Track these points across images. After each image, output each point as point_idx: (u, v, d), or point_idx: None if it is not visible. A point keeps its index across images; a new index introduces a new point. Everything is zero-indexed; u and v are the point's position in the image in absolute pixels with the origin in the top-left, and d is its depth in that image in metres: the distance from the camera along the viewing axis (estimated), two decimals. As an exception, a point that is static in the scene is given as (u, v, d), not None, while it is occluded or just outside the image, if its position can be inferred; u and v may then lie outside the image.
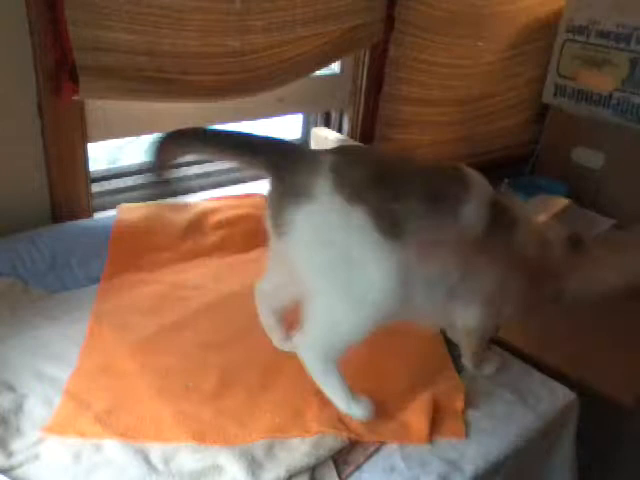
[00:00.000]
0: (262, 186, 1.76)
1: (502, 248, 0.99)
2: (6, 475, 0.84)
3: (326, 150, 0.98)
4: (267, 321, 1.12)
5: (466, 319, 1.05)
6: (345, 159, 0.92)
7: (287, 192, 0.91)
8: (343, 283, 0.90)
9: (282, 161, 0.93)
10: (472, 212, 0.94)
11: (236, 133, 1.02)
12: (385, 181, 0.90)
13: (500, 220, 0.97)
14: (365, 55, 1.82)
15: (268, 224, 0.97)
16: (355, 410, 0.96)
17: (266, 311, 1.11)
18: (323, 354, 0.95)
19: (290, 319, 1.11)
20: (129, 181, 1.63)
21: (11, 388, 0.98)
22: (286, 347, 1.11)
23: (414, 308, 0.97)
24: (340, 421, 0.96)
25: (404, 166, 0.97)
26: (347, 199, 0.87)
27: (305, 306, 0.95)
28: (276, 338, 1.12)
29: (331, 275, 0.91)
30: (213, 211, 1.49)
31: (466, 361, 1.14)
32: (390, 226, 0.88)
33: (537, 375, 1.16)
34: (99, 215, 1.49)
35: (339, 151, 0.99)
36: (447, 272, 0.95)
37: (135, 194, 1.62)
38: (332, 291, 0.91)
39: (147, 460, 0.88)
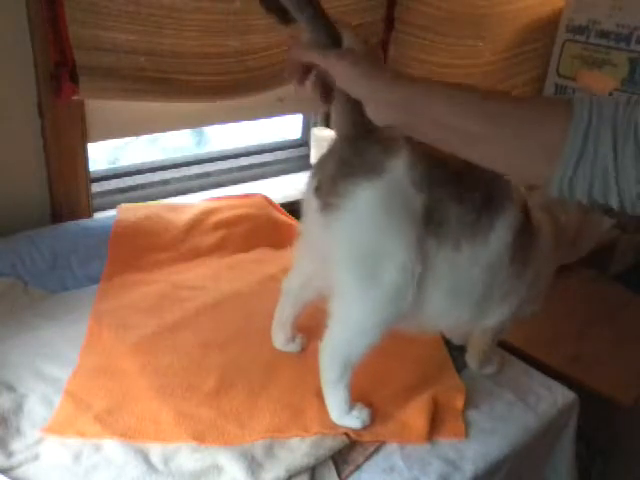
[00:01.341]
0: (262, 186, 1.78)
1: (531, 250, 0.97)
2: (6, 475, 0.84)
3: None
4: (281, 318, 1.11)
5: (488, 319, 1.03)
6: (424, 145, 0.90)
7: (354, 162, 0.86)
8: (373, 272, 0.88)
9: (361, 125, 0.85)
10: (510, 220, 0.92)
11: None
12: (454, 177, 0.87)
13: (528, 221, 0.96)
14: (365, 55, 1.82)
15: (311, 195, 0.91)
16: (347, 422, 0.96)
17: (287, 308, 1.10)
18: (344, 358, 0.94)
19: (299, 323, 1.12)
20: (129, 181, 1.64)
21: (11, 388, 0.98)
22: (288, 348, 1.11)
23: (437, 313, 0.95)
24: (340, 421, 0.97)
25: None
26: (415, 183, 0.85)
27: (329, 307, 0.93)
28: (281, 338, 1.11)
29: (365, 260, 0.88)
30: (213, 211, 1.49)
31: (471, 360, 1.13)
32: (437, 224, 0.87)
33: (537, 375, 1.16)
34: (99, 215, 1.49)
35: None
36: (478, 280, 0.94)
37: (135, 194, 1.62)
38: (356, 283, 0.89)
39: (147, 460, 0.88)
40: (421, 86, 0.71)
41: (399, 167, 0.86)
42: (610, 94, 2.16)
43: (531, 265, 0.97)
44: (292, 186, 1.84)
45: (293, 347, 1.11)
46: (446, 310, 0.96)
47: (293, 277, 1.08)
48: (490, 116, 0.66)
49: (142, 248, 1.36)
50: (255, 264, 1.40)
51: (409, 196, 0.86)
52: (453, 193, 0.88)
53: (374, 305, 0.90)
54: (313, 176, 0.93)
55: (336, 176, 0.87)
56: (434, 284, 0.90)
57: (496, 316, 1.01)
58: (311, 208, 0.92)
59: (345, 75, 0.73)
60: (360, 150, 0.87)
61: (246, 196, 1.61)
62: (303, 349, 1.11)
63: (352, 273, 0.89)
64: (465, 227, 0.89)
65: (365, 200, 0.86)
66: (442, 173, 0.88)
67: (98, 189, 1.55)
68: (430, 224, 0.87)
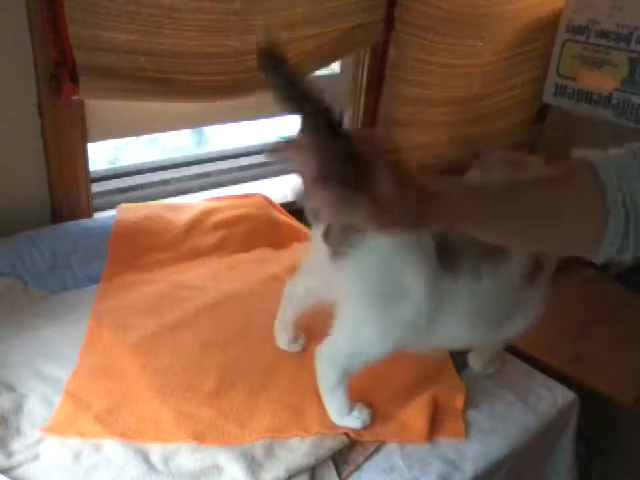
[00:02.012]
0: (262, 186, 1.78)
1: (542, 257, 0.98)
2: (6, 475, 0.84)
3: None
4: (284, 320, 1.10)
5: (504, 335, 1.03)
6: None
7: None
8: (386, 309, 0.88)
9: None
10: None
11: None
12: None
13: None
14: (365, 55, 1.82)
15: (320, 240, 0.91)
16: (347, 423, 0.96)
17: (289, 311, 1.09)
18: (342, 369, 0.94)
19: (300, 323, 1.11)
20: (129, 181, 1.64)
21: (11, 388, 0.98)
22: (291, 348, 1.11)
23: (453, 336, 0.96)
24: (340, 421, 0.97)
25: None
26: None
27: (336, 319, 0.93)
28: (284, 339, 1.11)
29: (377, 300, 0.89)
30: (213, 211, 1.49)
31: (475, 362, 1.13)
32: (450, 260, 0.87)
33: (537, 375, 1.16)
34: (99, 215, 1.49)
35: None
36: (498, 302, 0.94)
37: (135, 194, 1.62)
38: (372, 313, 0.90)
39: (147, 460, 0.88)
40: (454, 214, 0.64)
41: None
42: (610, 94, 2.16)
43: (544, 271, 0.97)
44: (292, 186, 1.84)
45: (296, 347, 1.11)
46: (463, 333, 0.96)
47: (298, 283, 1.08)
48: (527, 219, 0.66)
49: (142, 248, 1.36)
50: (255, 264, 1.40)
51: (419, 237, 0.86)
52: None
53: (385, 333, 0.91)
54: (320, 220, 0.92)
55: (346, 226, 0.87)
56: (452, 311, 0.91)
57: (515, 330, 1.01)
58: (320, 248, 0.92)
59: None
60: None
61: (246, 196, 1.61)
62: (305, 349, 1.11)
63: (364, 309, 0.90)
64: (480, 255, 0.89)
65: (376, 248, 0.86)
66: None
67: (98, 189, 1.55)
68: (444, 259, 0.87)
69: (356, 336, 0.92)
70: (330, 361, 0.94)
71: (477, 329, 0.96)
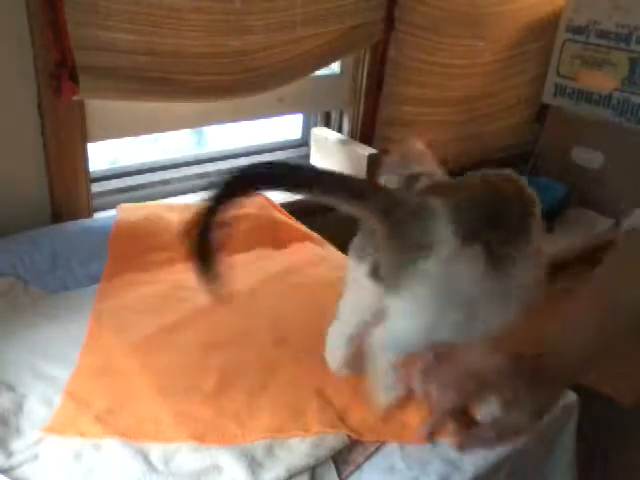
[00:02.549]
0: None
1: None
2: (6, 475, 0.84)
3: (430, 191, 0.93)
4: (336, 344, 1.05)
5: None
6: (460, 201, 0.89)
7: (405, 245, 0.86)
8: (438, 319, 0.88)
9: (394, 209, 0.86)
10: (537, 219, 0.94)
11: (329, 173, 0.89)
12: (495, 221, 0.89)
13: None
14: (365, 55, 1.83)
15: (362, 275, 0.92)
16: (388, 393, 0.93)
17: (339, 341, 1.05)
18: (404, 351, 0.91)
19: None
20: (129, 181, 1.64)
21: (11, 388, 0.98)
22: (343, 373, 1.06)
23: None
24: (340, 421, 0.96)
25: (507, 199, 0.94)
26: (463, 241, 0.85)
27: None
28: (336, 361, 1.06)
29: (438, 314, 0.88)
30: (213, 211, 1.49)
31: None
32: (495, 261, 0.88)
33: (537, 375, 1.15)
34: (99, 215, 1.49)
35: (444, 190, 0.94)
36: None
37: (135, 194, 1.62)
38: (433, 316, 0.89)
39: (147, 460, 0.88)
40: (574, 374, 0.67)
41: (445, 235, 0.85)
42: (610, 94, 2.16)
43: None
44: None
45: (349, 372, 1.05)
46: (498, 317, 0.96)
47: (339, 325, 1.04)
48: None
49: (142, 248, 1.36)
50: (255, 264, 1.40)
51: (462, 251, 0.86)
52: (499, 235, 0.89)
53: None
54: (359, 260, 0.93)
55: (392, 264, 0.87)
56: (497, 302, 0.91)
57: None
58: (368, 283, 0.92)
59: None
60: (407, 234, 0.87)
61: (246, 196, 1.60)
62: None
63: (423, 326, 0.89)
64: (512, 245, 0.90)
65: (429, 276, 0.85)
66: (479, 222, 0.89)
67: (98, 189, 1.55)
68: (489, 261, 0.87)
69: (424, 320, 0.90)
70: (395, 341, 0.91)
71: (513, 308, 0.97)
